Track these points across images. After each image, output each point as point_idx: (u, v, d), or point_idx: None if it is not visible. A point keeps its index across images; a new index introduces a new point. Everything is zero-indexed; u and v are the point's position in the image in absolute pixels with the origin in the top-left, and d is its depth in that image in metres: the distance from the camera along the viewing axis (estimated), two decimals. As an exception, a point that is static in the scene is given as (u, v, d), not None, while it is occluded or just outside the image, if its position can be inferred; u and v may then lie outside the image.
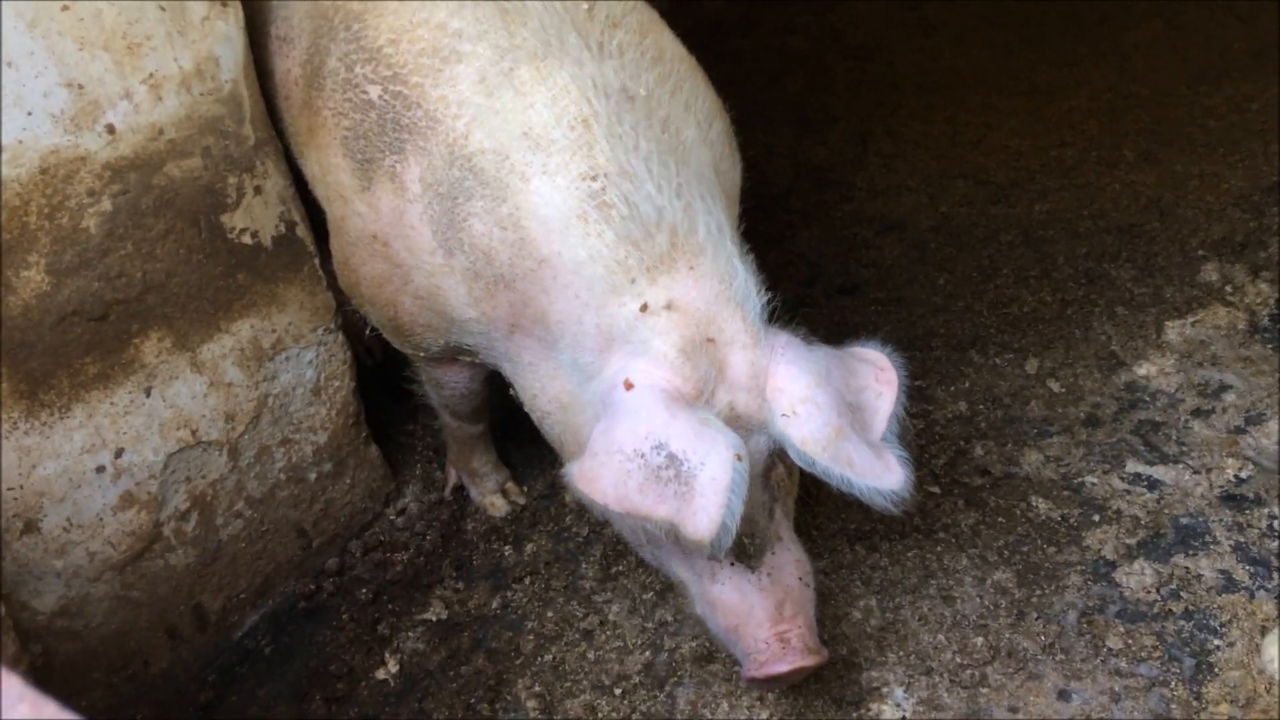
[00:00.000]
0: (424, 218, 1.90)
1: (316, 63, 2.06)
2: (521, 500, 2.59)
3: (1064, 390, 2.74)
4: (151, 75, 1.94)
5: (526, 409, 2.04)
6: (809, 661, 1.83)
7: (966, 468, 2.57)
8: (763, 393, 1.79)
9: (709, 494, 1.64)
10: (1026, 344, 2.90)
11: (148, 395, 2.09)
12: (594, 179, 1.78)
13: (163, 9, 1.92)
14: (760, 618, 1.84)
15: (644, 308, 1.76)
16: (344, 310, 2.35)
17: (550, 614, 2.33)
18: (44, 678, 2.02)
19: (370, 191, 1.97)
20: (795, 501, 2.02)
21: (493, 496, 2.57)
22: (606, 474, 1.70)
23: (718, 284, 1.79)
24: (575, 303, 1.81)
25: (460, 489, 2.62)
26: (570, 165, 1.79)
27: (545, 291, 1.83)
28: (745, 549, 1.84)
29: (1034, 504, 2.45)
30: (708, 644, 2.21)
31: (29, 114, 1.81)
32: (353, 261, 2.08)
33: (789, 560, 1.89)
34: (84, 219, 1.93)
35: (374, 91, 1.94)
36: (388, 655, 2.28)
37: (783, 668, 1.81)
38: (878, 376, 1.87)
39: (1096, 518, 2.40)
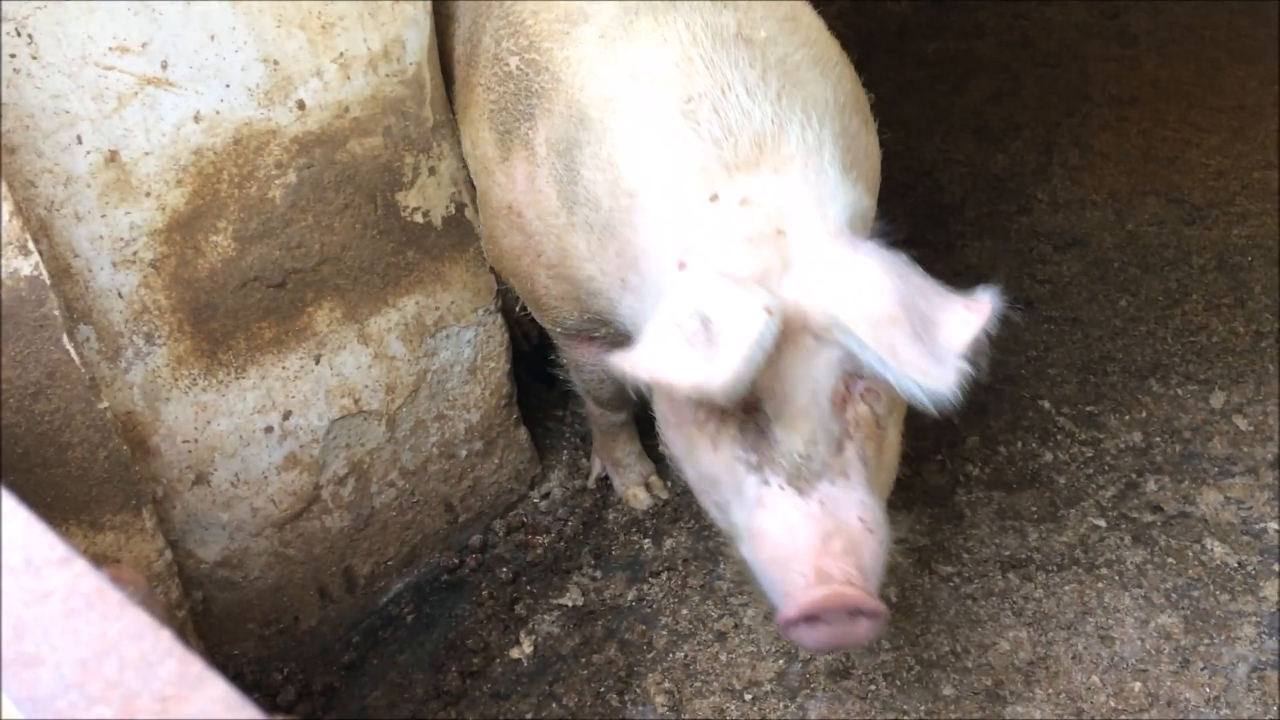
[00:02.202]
0: (549, 179, 1.92)
1: (474, 40, 2.12)
2: (664, 495, 2.58)
3: (1252, 428, 2.55)
4: (342, 55, 2.02)
5: None
6: (850, 593, 1.54)
7: (1136, 502, 2.42)
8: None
9: (732, 343, 1.50)
10: (1213, 376, 2.71)
11: (317, 362, 2.17)
12: (688, 101, 1.74)
13: (356, -9, 2.00)
14: (800, 548, 1.58)
15: (714, 197, 1.68)
16: (503, 292, 2.39)
17: (685, 611, 2.32)
18: (202, 624, 2.13)
19: (508, 162, 2.00)
20: (898, 477, 1.80)
21: (635, 488, 2.57)
22: (644, 348, 1.59)
23: (803, 188, 1.68)
24: (659, 231, 1.74)
25: (604, 479, 2.62)
26: (667, 93, 1.76)
27: (635, 228, 1.78)
28: (798, 467, 1.62)
29: (1209, 547, 2.29)
30: (844, 659, 2.15)
31: (227, 86, 1.90)
32: (495, 234, 2.12)
33: (851, 498, 1.63)
34: (270, 189, 2.02)
35: (513, 62, 1.98)
36: (523, 635, 2.31)
37: (814, 594, 1.54)
38: (968, 306, 1.63)
39: (1277, 567, 2.22)
